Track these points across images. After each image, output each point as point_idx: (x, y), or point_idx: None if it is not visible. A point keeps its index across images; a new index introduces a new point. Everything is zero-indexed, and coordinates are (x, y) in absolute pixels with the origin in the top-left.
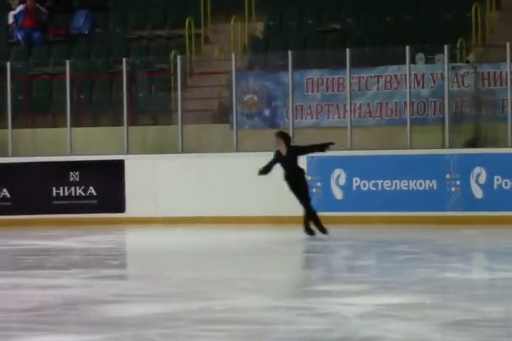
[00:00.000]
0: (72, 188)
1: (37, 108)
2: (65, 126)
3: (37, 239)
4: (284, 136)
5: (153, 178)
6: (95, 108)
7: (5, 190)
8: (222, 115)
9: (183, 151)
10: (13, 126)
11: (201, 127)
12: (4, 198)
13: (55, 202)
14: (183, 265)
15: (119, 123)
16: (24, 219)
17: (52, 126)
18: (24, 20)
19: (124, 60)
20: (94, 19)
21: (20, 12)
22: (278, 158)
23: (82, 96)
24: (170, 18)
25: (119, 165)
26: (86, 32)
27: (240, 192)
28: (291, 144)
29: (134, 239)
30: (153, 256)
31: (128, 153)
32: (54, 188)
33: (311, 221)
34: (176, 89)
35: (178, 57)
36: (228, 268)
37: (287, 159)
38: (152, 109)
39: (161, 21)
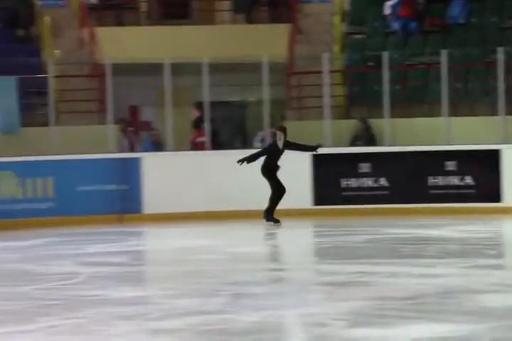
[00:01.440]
0: (449, 178)
1: (413, 97)
2: (440, 115)
3: (413, 227)
4: (285, 131)
5: None
6: (471, 97)
7: (383, 179)
8: None
9: None
10: (390, 116)
11: None
12: (382, 187)
13: (431, 192)
14: None
15: (496, 113)
16: (400, 208)
17: (429, 115)
18: (401, 10)
19: (500, 49)
20: (470, 8)
21: (398, 2)
22: (273, 149)
23: (458, 85)
24: None
25: (496, 154)
26: (462, 21)
27: None
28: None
29: (511, 229)
30: None
31: (505, 142)
32: (430, 177)
33: (272, 208)
34: None
35: None
36: None
37: (281, 152)
38: None
39: None
